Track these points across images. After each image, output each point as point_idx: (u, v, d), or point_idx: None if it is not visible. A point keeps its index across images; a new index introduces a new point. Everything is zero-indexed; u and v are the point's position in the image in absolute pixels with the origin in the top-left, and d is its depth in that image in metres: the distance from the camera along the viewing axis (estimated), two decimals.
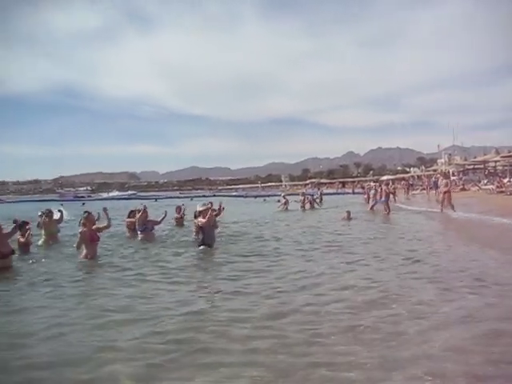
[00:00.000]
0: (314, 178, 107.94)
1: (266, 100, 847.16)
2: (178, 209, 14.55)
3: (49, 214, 11.27)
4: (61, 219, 11.76)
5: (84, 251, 8.07)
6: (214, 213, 9.40)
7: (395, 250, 8.77)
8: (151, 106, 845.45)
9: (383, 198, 18.28)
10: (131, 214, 11.78)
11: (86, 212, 8.53)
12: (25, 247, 9.16)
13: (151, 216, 11.44)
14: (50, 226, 11.01)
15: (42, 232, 10.93)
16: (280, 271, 6.97)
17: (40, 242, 10.59)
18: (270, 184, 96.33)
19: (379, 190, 19.31)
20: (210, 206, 9.14)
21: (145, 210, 10.93)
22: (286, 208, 22.35)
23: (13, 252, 7.56)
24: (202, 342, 3.96)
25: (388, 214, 17.44)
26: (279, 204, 23.13)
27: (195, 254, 8.64)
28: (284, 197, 23.64)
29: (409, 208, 20.79)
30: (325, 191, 40.14)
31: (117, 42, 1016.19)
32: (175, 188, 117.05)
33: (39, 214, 11.62)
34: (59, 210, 11.78)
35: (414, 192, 36.07)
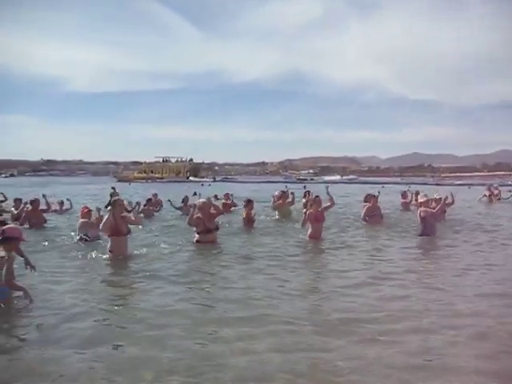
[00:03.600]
0: None
1: (496, 82, 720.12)
2: (405, 194, 15.00)
3: (282, 195, 12.21)
4: (292, 202, 12.41)
5: (309, 230, 8.52)
6: (439, 205, 9.11)
7: None
8: (374, 91, 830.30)
9: None
10: (367, 197, 11.72)
11: (309, 194, 10.98)
12: (249, 222, 10.33)
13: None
14: (284, 207, 12.05)
15: (276, 212, 12.19)
16: None
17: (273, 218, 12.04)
18: (498, 173, 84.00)
19: None
20: (429, 197, 9.07)
21: (375, 197, 11.15)
22: (491, 200, 21.47)
23: (217, 228, 8.15)
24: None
25: None
26: (481, 195, 22.46)
27: (415, 244, 8.43)
28: (490, 188, 22.63)
29: None
30: None
31: (340, 29, 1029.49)
32: (396, 174, 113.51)
33: (275, 193, 12.50)
34: (286, 191, 12.57)
35: None
